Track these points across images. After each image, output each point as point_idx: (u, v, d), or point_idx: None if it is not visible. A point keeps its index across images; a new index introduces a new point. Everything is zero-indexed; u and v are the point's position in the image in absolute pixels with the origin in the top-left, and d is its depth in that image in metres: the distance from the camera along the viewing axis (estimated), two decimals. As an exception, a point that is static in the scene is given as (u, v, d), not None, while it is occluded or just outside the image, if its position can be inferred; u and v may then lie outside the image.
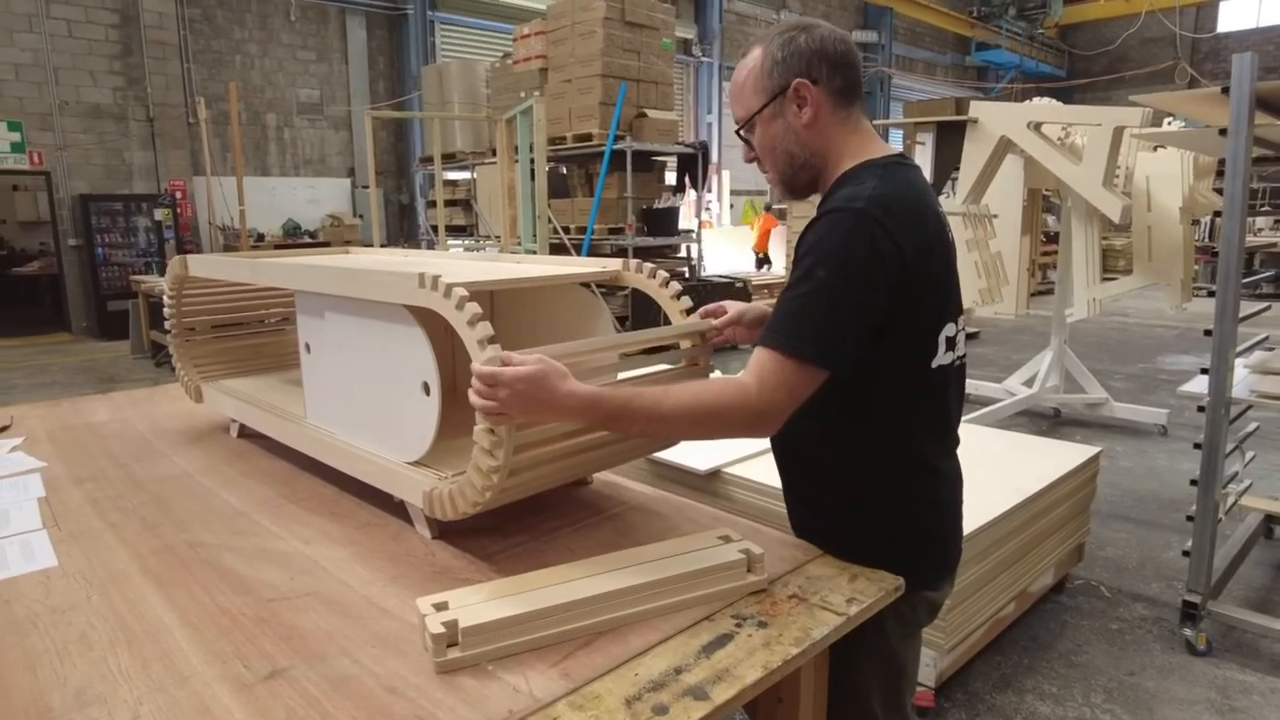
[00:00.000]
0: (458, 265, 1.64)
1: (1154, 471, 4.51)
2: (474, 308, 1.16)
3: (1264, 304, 2.98)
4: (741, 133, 1.33)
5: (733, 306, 1.52)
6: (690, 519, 1.50)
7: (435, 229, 10.83)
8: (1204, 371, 2.61)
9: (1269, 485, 4.19)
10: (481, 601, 1.06)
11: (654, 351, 1.46)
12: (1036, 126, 3.64)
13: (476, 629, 1.00)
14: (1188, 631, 2.73)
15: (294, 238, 10.75)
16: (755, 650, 1.05)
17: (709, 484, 2.72)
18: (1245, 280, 2.57)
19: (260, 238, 10.17)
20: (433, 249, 10.37)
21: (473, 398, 1.12)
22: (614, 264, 1.56)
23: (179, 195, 9.93)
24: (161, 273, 8.14)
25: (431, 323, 1.30)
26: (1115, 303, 9.77)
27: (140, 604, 1.20)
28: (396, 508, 1.51)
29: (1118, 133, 3.39)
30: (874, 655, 1.34)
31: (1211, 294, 2.60)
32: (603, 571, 1.15)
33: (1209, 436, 2.64)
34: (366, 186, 11.96)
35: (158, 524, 1.51)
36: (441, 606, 1.06)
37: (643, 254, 8.54)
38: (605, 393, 1.16)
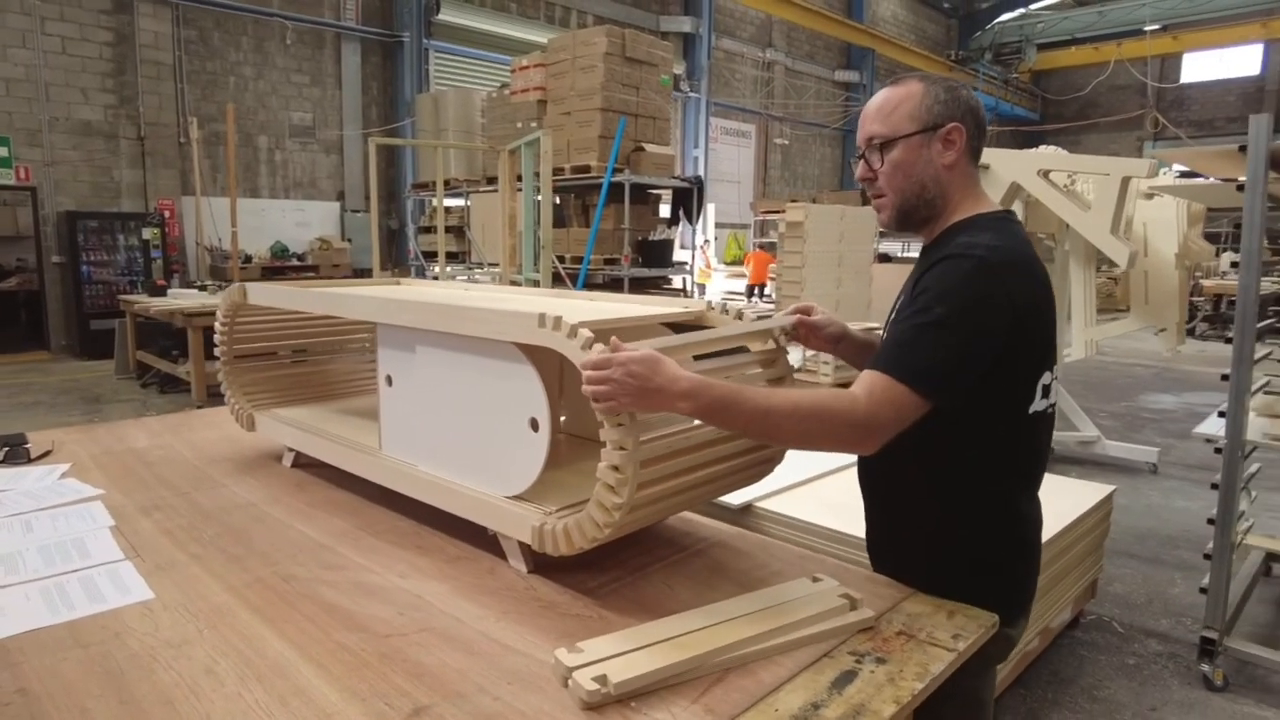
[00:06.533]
0: (562, 304, 1.66)
1: (1150, 509, 4.62)
2: (601, 348, 1.19)
3: (1267, 349, 3.10)
4: (869, 150, 1.36)
5: (820, 312, 1.57)
6: (776, 556, 1.54)
7: (426, 255, 10.85)
8: (1221, 414, 2.70)
9: (1263, 524, 4.32)
10: (621, 653, 1.08)
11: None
12: (1045, 173, 3.79)
13: (627, 683, 1.02)
14: (1205, 667, 2.80)
15: (282, 260, 10.67)
16: (882, 686, 1.08)
17: (741, 518, 2.74)
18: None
19: (248, 259, 10.08)
20: (423, 275, 10.37)
21: (586, 388, 1.16)
22: (698, 304, 1.61)
23: (167, 215, 9.83)
24: (149, 293, 8.04)
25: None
26: (1094, 341, 10.00)
27: (256, 639, 1.20)
28: (484, 541, 1.53)
29: (1125, 182, 3.54)
30: (954, 692, 1.37)
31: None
32: (726, 619, 1.18)
33: (1226, 477, 2.73)
34: (357, 210, 11.97)
35: (241, 556, 1.50)
36: (576, 652, 1.08)
37: (637, 285, 8.61)
38: (715, 381, 1.19)
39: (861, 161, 1.40)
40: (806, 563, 1.51)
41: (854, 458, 2.88)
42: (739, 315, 1.57)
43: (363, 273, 11.27)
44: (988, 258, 1.21)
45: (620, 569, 1.45)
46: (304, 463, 2.04)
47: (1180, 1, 20.26)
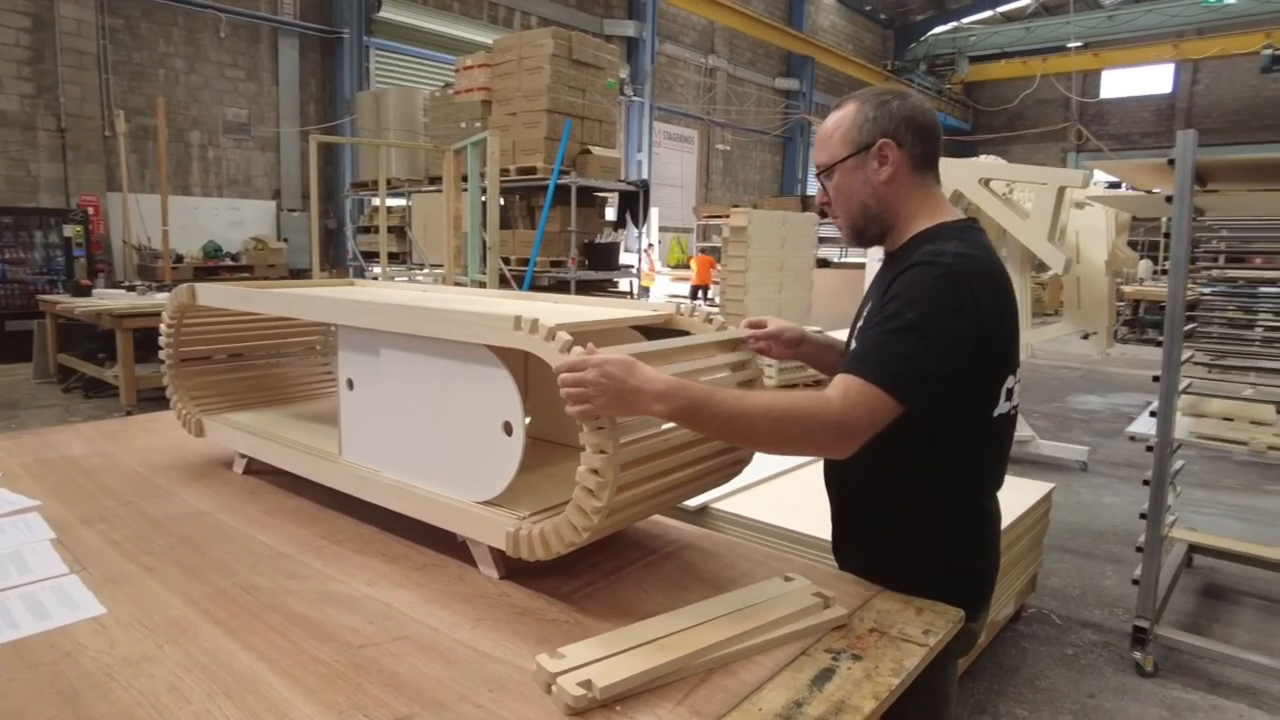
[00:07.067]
0: (529, 306, 1.64)
1: (1081, 505, 4.82)
2: (580, 351, 1.19)
3: (1188, 351, 3.27)
4: (821, 177, 1.43)
5: (773, 322, 1.59)
6: (744, 557, 1.55)
7: (365, 255, 10.61)
8: (1153, 414, 2.84)
9: (1185, 518, 4.54)
10: (604, 657, 1.07)
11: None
12: (986, 182, 3.93)
13: (612, 687, 1.02)
14: (1137, 655, 2.93)
15: (215, 260, 10.30)
16: (860, 682, 1.11)
17: (699, 520, 2.76)
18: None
19: (179, 259, 9.70)
20: (362, 276, 10.14)
21: (563, 391, 1.16)
22: (667, 308, 1.62)
23: (91, 212, 9.37)
24: (73, 293, 7.67)
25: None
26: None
27: (220, 653, 1.15)
28: (452, 547, 1.50)
29: (1061, 192, 3.70)
30: (919, 686, 1.40)
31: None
32: (703, 620, 1.18)
33: (1157, 474, 2.86)
34: (293, 210, 11.64)
35: (198, 567, 1.45)
36: (558, 658, 1.07)
37: (584, 287, 8.59)
38: (690, 383, 1.19)
39: (820, 188, 1.46)
40: (774, 562, 1.53)
41: (806, 459, 2.91)
42: (708, 319, 1.58)
43: (299, 273, 10.97)
44: (955, 265, 1.25)
45: (592, 573, 1.44)
46: (256, 469, 1.97)
47: (1100, 21, 21.24)
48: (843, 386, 1.21)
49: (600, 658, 1.08)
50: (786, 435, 1.21)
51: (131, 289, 7.66)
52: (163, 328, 2.07)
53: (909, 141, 1.36)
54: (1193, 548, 3.80)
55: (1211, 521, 4.57)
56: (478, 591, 1.37)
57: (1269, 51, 19.36)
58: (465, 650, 1.17)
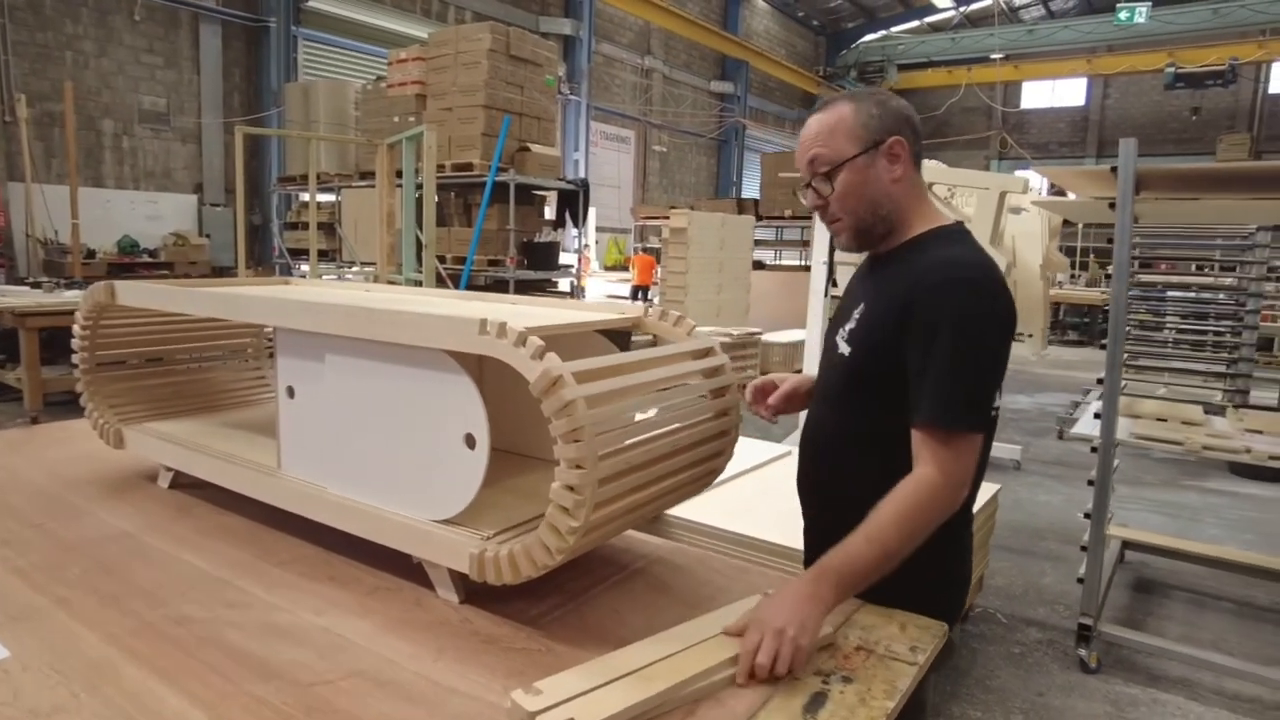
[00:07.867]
0: (487, 308, 1.53)
1: (1018, 504, 4.94)
2: (554, 357, 1.10)
3: (1127, 354, 3.37)
4: (816, 179, 1.34)
5: (785, 381, 1.55)
6: (718, 571, 1.49)
7: (292, 252, 10.21)
8: (1097, 415, 2.90)
9: (1115, 515, 4.70)
10: (584, 692, 0.99)
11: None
12: (929, 187, 3.97)
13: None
14: (1082, 651, 2.99)
15: (132, 256, 9.73)
16: (855, 708, 1.05)
17: (652, 526, 2.69)
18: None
19: (91, 255, 9.12)
20: (289, 274, 9.75)
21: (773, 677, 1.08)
22: (635, 310, 1.54)
23: (-10, 203, 8.76)
24: (-31, 291, 7.12)
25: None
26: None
27: (147, 698, 1.02)
28: (405, 569, 1.39)
29: (1002, 196, 3.77)
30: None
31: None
32: (685, 646, 1.11)
33: (1101, 475, 2.92)
34: (216, 204, 11.13)
35: (120, 597, 1.30)
36: (535, 694, 0.98)
37: (523, 287, 8.44)
38: (828, 563, 1.18)
39: (810, 190, 1.37)
40: (749, 577, 1.47)
41: (758, 460, 2.85)
42: (677, 321, 1.51)
43: (222, 270, 10.50)
44: (974, 277, 1.25)
45: (560, 595, 1.35)
46: (184, 483, 1.81)
47: (1021, 34, 22.08)
48: (931, 453, 1.22)
49: (581, 692, 0.99)
50: (919, 533, 1.22)
51: (37, 285, 7.16)
52: (76, 329, 1.88)
53: (910, 139, 1.33)
54: (1125, 543, 3.92)
55: (1137, 517, 4.74)
56: (438, 618, 1.27)
57: (1171, 69, 20.48)
58: (428, 685, 1.07)
